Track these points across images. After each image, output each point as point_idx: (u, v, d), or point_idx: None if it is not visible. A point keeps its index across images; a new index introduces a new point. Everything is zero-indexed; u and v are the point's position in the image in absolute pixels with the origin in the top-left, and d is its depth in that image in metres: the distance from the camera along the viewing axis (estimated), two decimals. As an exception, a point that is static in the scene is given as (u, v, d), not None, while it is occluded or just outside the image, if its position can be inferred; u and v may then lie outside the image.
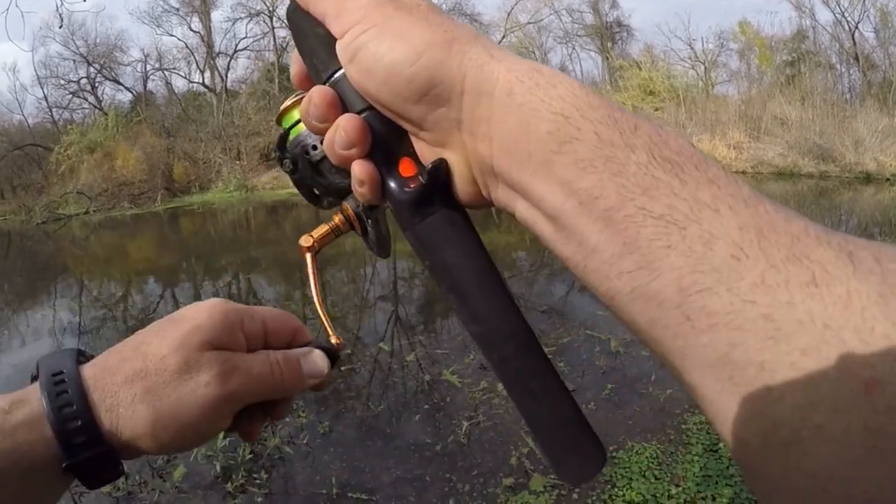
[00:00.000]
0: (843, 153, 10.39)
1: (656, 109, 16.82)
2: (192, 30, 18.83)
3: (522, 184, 0.25)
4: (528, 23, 19.68)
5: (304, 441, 2.71)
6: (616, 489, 2.18)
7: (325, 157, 0.37)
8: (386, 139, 0.30)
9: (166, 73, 19.71)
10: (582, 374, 3.16)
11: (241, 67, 27.50)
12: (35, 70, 22.51)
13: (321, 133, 0.31)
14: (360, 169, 0.29)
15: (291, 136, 0.38)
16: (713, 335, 0.20)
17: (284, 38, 18.77)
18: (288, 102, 0.40)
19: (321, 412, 2.98)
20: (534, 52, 20.75)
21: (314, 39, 0.31)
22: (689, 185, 0.21)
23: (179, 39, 20.06)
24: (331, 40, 0.29)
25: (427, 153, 0.29)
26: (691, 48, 19.90)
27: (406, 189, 0.29)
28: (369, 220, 0.38)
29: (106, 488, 2.35)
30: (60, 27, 17.28)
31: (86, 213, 13.73)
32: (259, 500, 2.33)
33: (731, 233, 0.20)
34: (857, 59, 15.86)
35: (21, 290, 7.60)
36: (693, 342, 0.20)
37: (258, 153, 16.23)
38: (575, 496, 2.19)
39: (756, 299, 0.19)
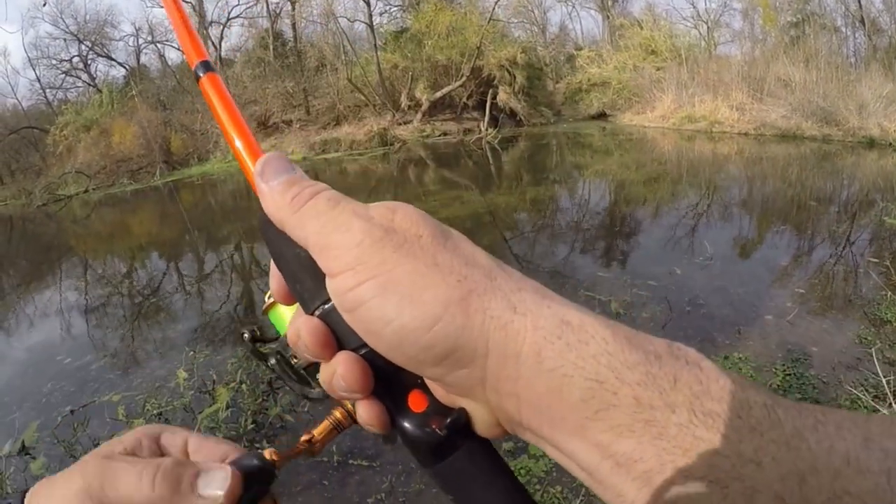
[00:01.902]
0: (847, 117, 10.23)
1: (658, 69, 16.53)
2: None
3: (554, 440, 0.24)
4: (528, -18, 19.16)
5: (305, 409, 2.76)
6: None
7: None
8: (391, 376, 0.27)
9: (159, 45, 19.47)
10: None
11: (234, 36, 27.21)
12: (26, 52, 22.24)
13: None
14: (365, 412, 0.28)
15: (276, 333, 0.35)
16: None
17: (278, 3, 18.40)
18: (270, 300, 0.36)
19: (322, 382, 3.02)
20: (533, 11, 20.34)
21: (296, 264, 0.27)
22: (731, 441, 0.21)
23: (171, 11, 19.57)
24: (317, 267, 0.26)
25: (442, 394, 0.28)
26: (694, 7, 19.58)
27: (424, 430, 0.27)
28: None
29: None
30: (44, 5, 17.02)
31: (85, 192, 13.69)
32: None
33: (773, 485, 0.20)
34: (862, 22, 15.46)
35: (26, 273, 7.65)
36: None
37: (255, 121, 16.11)
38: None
39: None
